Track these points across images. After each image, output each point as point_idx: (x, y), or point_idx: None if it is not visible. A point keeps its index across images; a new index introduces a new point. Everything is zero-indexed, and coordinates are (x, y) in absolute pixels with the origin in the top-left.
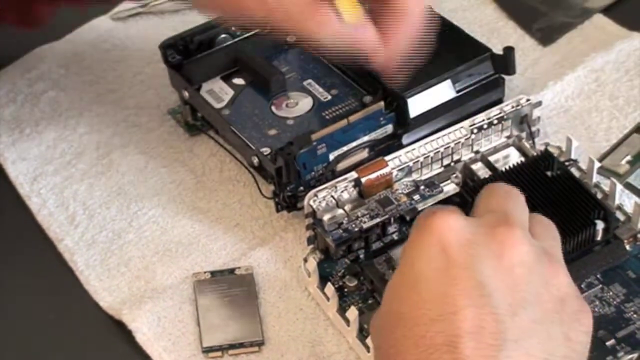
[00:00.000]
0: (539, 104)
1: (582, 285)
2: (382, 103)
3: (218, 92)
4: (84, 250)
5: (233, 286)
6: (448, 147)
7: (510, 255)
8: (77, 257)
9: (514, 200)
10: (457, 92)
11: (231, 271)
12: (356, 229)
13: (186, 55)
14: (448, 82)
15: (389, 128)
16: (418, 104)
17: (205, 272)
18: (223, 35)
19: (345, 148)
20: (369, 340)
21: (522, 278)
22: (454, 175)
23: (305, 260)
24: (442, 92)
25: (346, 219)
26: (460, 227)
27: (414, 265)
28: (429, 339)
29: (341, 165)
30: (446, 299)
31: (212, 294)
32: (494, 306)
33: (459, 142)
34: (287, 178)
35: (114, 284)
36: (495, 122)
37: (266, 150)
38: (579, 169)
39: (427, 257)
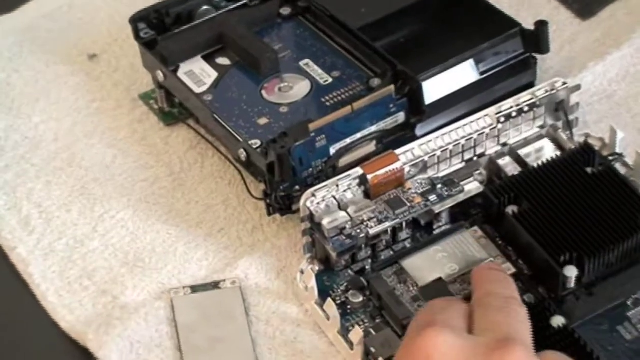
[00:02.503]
0: (578, 88)
1: (628, 302)
2: (392, 87)
3: (199, 74)
4: (41, 260)
5: (218, 303)
6: (470, 138)
7: None
8: (32, 268)
9: (514, 315)
10: (481, 74)
11: (215, 285)
12: (361, 236)
13: (161, 31)
14: (470, 63)
15: (401, 116)
16: (435, 88)
17: (184, 288)
18: (205, 7)
19: (348, 140)
20: None
21: None
22: (477, 172)
23: (302, 271)
24: (463, 74)
25: (349, 223)
26: (449, 350)
27: None
28: None
29: (344, 161)
30: None
31: (194, 312)
32: None
33: (483, 133)
34: (281, 175)
35: (76, 301)
36: (526, 109)
37: (256, 143)
38: (625, 164)
39: None
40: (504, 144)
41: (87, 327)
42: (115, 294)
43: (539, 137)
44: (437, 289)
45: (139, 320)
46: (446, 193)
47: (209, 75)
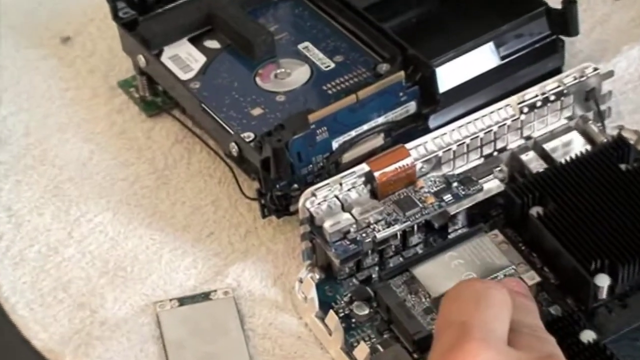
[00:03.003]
0: (610, 74)
1: None
2: (402, 73)
3: (185, 59)
4: (10, 269)
5: (210, 315)
6: (490, 131)
7: None
8: (0, 278)
9: (545, 341)
10: (502, 58)
11: (206, 296)
12: (367, 240)
13: (142, 10)
14: (490, 46)
15: (412, 106)
16: (450, 74)
17: (171, 300)
18: None
19: (353, 133)
20: None
21: None
22: (498, 169)
23: (301, 280)
24: (482, 59)
25: (354, 226)
26: None
27: None
28: None
29: (348, 156)
30: None
31: (183, 327)
32: None
33: (505, 125)
34: (277, 172)
35: (49, 315)
36: (553, 98)
37: (249, 136)
38: None
39: None
40: (528, 137)
41: (63, 346)
42: (93, 308)
43: (567, 130)
44: None
45: (121, 338)
46: (463, 192)
47: (196, 60)
